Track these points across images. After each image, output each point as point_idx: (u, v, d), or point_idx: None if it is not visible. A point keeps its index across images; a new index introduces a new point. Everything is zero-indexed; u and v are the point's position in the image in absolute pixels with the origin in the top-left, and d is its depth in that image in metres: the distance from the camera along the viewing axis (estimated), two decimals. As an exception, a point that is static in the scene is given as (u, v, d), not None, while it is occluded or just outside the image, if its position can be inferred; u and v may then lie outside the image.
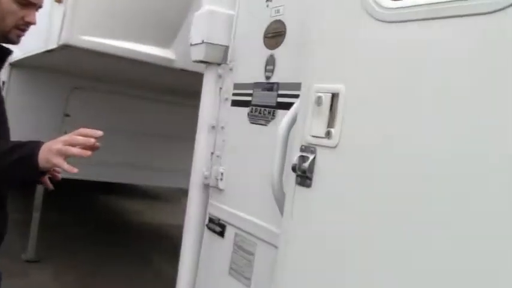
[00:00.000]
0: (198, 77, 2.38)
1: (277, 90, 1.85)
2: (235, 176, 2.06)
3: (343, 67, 1.38)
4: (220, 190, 2.12)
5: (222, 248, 2.05)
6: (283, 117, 1.62)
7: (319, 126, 1.38)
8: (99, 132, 1.51)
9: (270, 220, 1.78)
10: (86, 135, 1.50)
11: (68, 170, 1.47)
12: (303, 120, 1.49)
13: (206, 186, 2.25)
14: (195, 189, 2.27)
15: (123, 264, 5.33)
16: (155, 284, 4.96)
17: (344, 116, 1.32)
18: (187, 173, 2.36)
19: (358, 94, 1.31)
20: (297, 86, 1.61)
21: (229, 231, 2.02)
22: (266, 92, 1.91)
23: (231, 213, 2.02)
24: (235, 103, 2.12)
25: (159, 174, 6.08)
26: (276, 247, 1.60)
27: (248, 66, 2.08)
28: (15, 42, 1.72)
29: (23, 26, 1.71)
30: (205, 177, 2.22)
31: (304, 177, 1.45)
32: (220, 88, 2.22)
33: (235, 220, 1.99)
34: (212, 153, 2.22)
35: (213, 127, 2.22)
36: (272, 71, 1.90)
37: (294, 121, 1.60)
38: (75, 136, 1.50)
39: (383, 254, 1.13)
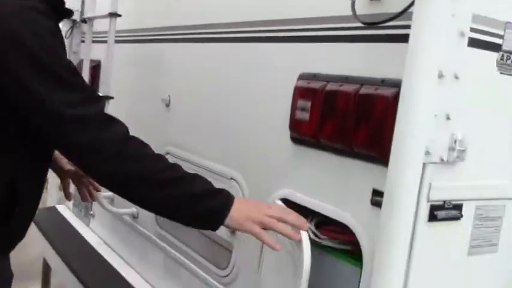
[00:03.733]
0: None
1: None
2: (476, 142, 1.52)
3: None
4: (453, 164, 1.52)
5: (456, 233, 1.59)
6: None
7: None
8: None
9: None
10: (298, 219, 1.36)
11: (272, 245, 1.31)
12: None
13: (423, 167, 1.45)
14: (410, 174, 1.39)
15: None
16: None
17: None
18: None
19: None
20: None
21: (468, 209, 1.54)
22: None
23: (471, 186, 1.52)
24: (474, 43, 1.52)
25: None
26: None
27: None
28: None
29: None
30: (428, 153, 1.42)
31: None
32: (453, 16, 1.37)
33: (474, 193, 1.52)
34: (436, 115, 1.44)
35: (441, 76, 1.53)
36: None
37: None
38: (288, 215, 1.35)
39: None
